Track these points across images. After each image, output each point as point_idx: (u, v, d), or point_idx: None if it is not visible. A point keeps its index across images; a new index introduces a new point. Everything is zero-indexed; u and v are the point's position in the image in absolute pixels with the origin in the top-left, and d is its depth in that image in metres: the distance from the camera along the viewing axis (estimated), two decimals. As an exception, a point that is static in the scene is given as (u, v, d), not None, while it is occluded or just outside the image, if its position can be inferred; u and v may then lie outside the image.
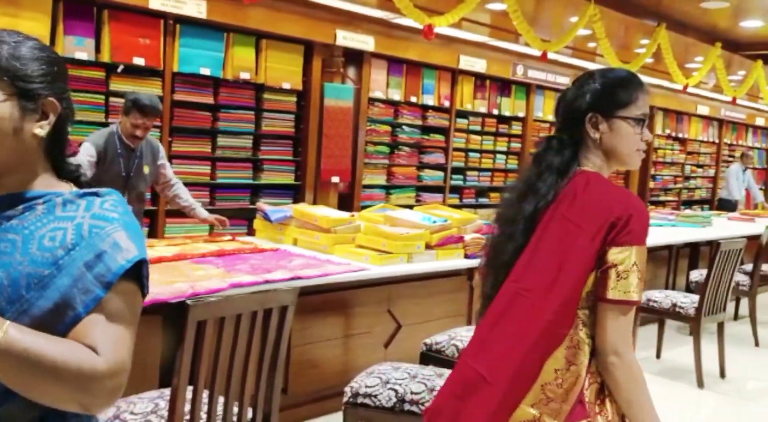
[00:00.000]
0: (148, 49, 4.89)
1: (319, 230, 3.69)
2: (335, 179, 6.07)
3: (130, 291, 1.08)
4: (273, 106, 5.76)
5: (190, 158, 5.35)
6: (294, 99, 5.89)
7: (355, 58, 6.31)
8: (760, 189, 13.50)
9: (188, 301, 1.91)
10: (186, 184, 5.28)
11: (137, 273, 1.09)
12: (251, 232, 4.47)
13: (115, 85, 4.83)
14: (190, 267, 3.01)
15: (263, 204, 4.24)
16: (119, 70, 4.87)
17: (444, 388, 1.61)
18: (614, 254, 1.46)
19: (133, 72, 4.91)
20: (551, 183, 1.56)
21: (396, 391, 2.38)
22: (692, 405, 4.14)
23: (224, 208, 5.57)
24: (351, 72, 6.38)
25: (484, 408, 1.48)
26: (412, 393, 2.36)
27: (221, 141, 5.49)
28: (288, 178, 5.93)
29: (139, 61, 4.85)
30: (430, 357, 2.93)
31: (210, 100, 5.37)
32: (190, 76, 5.19)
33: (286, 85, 5.71)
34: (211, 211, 5.42)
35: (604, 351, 1.47)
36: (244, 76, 5.44)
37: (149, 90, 4.94)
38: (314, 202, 5.79)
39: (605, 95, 1.56)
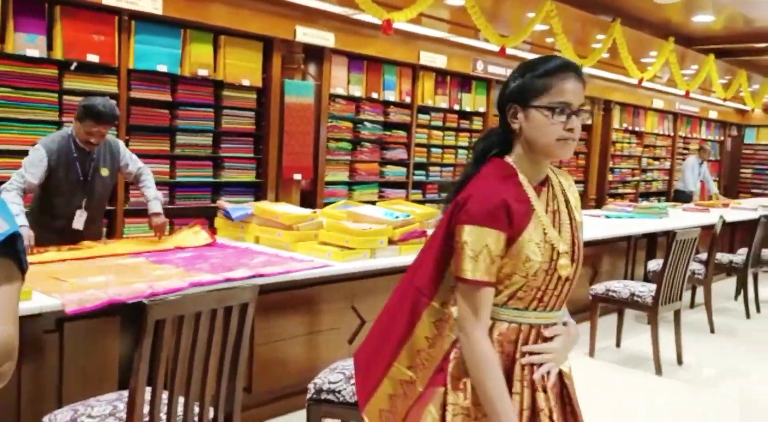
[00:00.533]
0: (103, 46, 4.79)
1: (281, 227, 3.67)
2: (297, 176, 6.04)
3: (5, 265, 1.10)
4: (233, 103, 5.70)
5: (148, 157, 5.21)
6: (254, 96, 5.84)
7: (316, 54, 6.28)
8: (714, 180, 13.88)
9: (146, 301, 1.88)
10: (144, 184, 5.23)
11: (12, 248, 1.11)
12: (212, 231, 4.42)
13: (69, 83, 4.72)
14: (149, 268, 2.96)
15: (224, 202, 4.19)
16: (73, 67, 4.76)
17: (369, 335, 1.78)
18: (453, 232, 1.53)
19: (87, 69, 4.81)
20: (467, 171, 1.64)
21: (359, 386, 2.38)
22: (651, 392, 4.23)
23: (184, 206, 5.50)
24: (311, 68, 6.35)
25: (380, 361, 1.64)
26: (375, 387, 2.36)
27: (180, 139, 5.41)
28: (249, 176, 5.88)
29: (93, 58, 4.75)
30: (394, 351, 2.93)
31: (168, 98, 5.28)
32: (146, 73, 5.10)
33: (246, 82, 5.66)
34: (171, 211, 5.38)
35: (457, 327, 1.54)
36: (203, 72, 5.37)
37: (104, 87, 4.85)
38: (276, 200, 5.76)
39: (521, 85, 1.57)
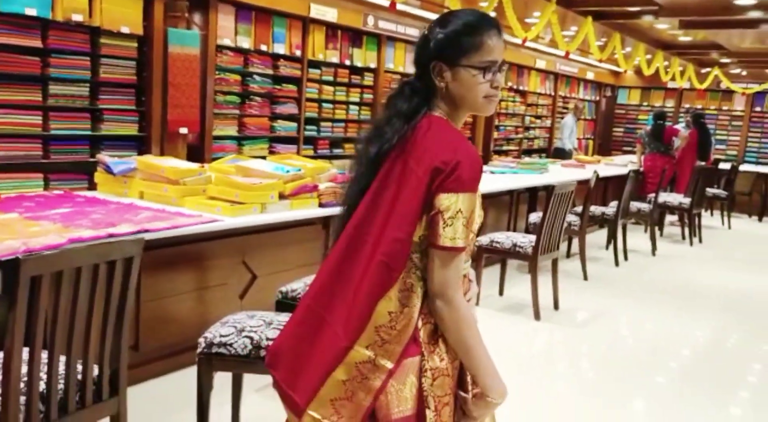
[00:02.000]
0: (-40, -16, 4.36)
1: (166, 182, 3.54)
2: (183, 130, 5.82)
3: None
4: (111, 51, 5.36)
5: (17, 107, 4.88)
6: (135, 44, 5.52)
7: (200, 2, 6.01)
8: (589, 138, 14.69)
9: (20, 257, 1.77)
10: (14, 136, 4.88)
11: None
12: (92, 187, 4.20)
13: None
14: (23, 224, 2.79)
15: (104, 156, 3.98)
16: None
17: (287, 328, 1.60)
18: (441, 200, 1.44)
19: (-58, 9, 4.36)
20: (397, 127, 1.54)
21: (251, 338, 2.38)
22: (530, 335, 4.51)
23: (60, 161, 5.17)
24: (197, 18, 6.08)
25: (328, 349, 1.49)
26: (267, 339, 2.37)
27: (53, 89, 5.05)
28: (131, 129, 5.60)
29: (-52, -3, 4.31)
30: (286, 304, 2.95)
31: (38, 44, 4.90)
32: (12, 16, 4.69)
33: (125, 30, 5.34)
34: (46, 166, 5.06)
35: (434, 295, 1.48)
36: (77, 18, 5.01)
37: (-37, 30, 4.42)
38: (161, 155, 5.53)
39: (448, 43, 1.52)
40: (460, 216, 1.45)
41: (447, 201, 1.44)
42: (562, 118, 11.49)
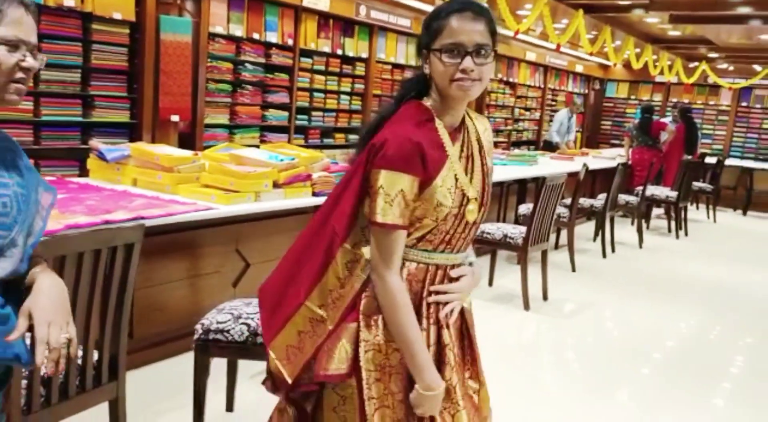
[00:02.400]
0: (-50, -33, 4.31)
1: (160, 169, 3.55)
2: (175, 118, 5.81)
3: None
4: (103, 38, 5.34)
5: (8, 93, 4.85)
6: (127, 31, 5.49)
7: (193, -11, 5.98)
8: (577, 131, 14.75)
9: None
10: (5, 122, 4.85)
11: None
12: (84, 173, 4.20)
13: None
14: (18, 210, 2.79)
15: (97, 142, 3.97)
16: None
17: (274, 274, 1.74)
18: (369, 176, 1.53)
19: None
20: (382, 112, 1.63)
21: (248, 325, 2.41)
22: (519, 325, 4.57)
23: (51, 147, 5.15)
24: (189, 5, 6.05)
25: (290, 302, 1.63)
26: (264, 326, 2.40)
27: (45, 74, 5.02)
28: (123, 117, 5.58)
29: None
30: (281, 292, 2.98)
31: (29, 29, 4.86)
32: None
33: (117, 16, 5.31)
34: (37, 152, 5.03)
35: (370, 269, 1.56)
36: (69, 3, 4.98)
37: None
38: (153, 142, 5.52)
39: (424, 29, 1.58)
40: (381, 193, 1.50)
41: (372, 177, 1.52)
42: (552, 110, 11.56)
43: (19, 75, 1.31)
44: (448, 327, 1.61)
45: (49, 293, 1.26)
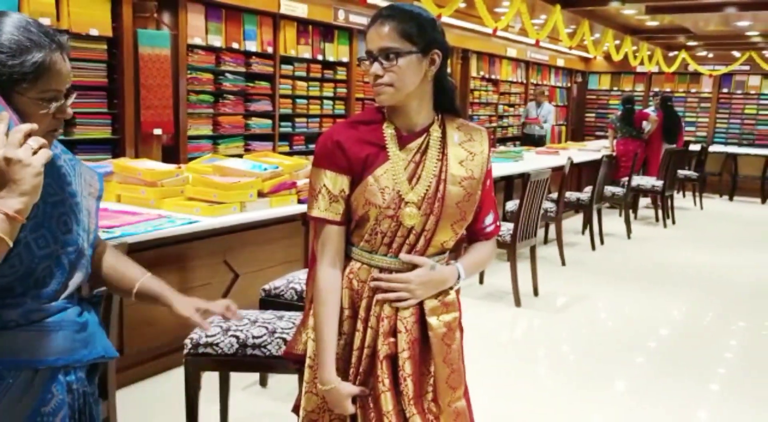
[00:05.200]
0: None
1: (144, 184, 3.53)
2: (158, 131, 5.79)
3: None
4: (80, 54, 5.31)
5: (-13, 114, 4.82)
6: (104, 46, 5.47)
7: (169, 2, 5.97)
8: (561, 124, 14.82)
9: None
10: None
11: None
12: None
13: None
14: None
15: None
16: None
17: None
18: None
19: None
20: None
21: (237, 337, 2.40)
22: (512, 322, 4.58)
23: (34, 167, 5.11)
24: (166, 17, 6.04)
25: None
26: (253, 337, 2.39)
27: (23, 94, 4.99)
28: (104, 132, 5.56)
29: None
30: (270, 302, 2.97)
31: (5, 49, 4.83)
32: (-23, 21, 4.62)
33: (94, 32, 5.29)
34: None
35: None
36: (44, 21, 4.93)
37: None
38: (136, 156, 5.50)
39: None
40: (311, 188, 1.60)
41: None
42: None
43: (55, 125, 1.30)
44: (394, 334, 1.57)
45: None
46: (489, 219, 1.74)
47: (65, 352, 1.33)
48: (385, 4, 8.10)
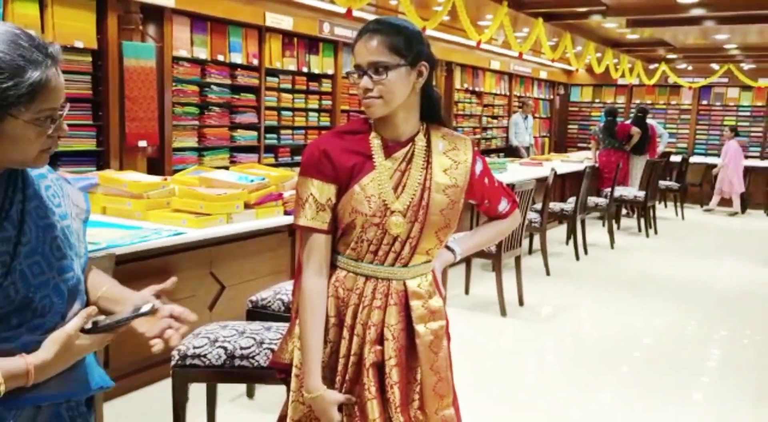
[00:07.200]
0: None
1: (129, 196, 3.53)
2: (142, 143, 5.78)
3: None
4: (65, 67, 5.11)
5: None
6: (89, 58, 5.47)
7: (155, 14, 5.98)
8: (545, 136, 14.97)
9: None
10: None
11: None
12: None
13: None
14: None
15: (63, 172, 3.94)
16: None
17: None
18: None
19: None
20: None
21: (225, 348, 2.40)
22: (498, 332, 4.61)
23: (17, 180, 5.08)
24: (151, 30, 6.04)
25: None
26: (241, 348, 2.40)
27: (7, 106, 4.97)
28: (89, 144, 5.54)
29: None
30: (257, 313, 2.97)
31: (-11, 61, 4.81)
32: (-39, 33, 4.60)
33: (79, 44, 5.28)
34: None
35: None
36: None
37: None
38: (121, 168, 5.48)
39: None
40: (297, 197, 1.62)
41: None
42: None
43: (49, 144, 1.21)
44: (381, 342, 1.60)
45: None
46: (503, 204, 1.82)
47: (67, 387, 1.26)
48: (369, 17, 8.20)
